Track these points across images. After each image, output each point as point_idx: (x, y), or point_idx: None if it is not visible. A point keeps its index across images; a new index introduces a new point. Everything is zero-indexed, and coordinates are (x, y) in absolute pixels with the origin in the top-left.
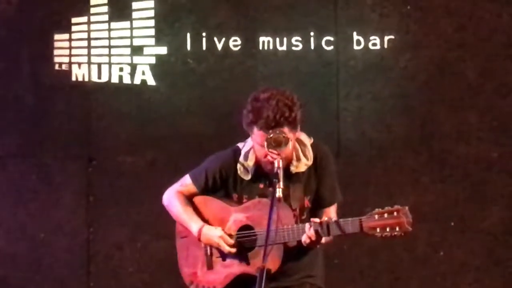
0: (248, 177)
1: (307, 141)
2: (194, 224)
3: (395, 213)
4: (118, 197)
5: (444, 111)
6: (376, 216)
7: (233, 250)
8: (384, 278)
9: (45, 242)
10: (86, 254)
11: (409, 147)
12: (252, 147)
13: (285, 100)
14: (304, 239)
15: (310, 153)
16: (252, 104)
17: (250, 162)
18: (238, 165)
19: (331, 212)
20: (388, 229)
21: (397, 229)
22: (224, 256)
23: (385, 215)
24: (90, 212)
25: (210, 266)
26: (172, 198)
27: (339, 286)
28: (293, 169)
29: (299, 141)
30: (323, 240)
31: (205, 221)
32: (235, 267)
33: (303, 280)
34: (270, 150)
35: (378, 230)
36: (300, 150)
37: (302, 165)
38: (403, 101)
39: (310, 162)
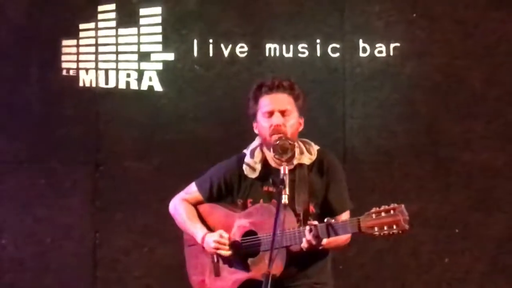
0: (254, 174)
1: (313, 144)
2: (198, 232)
3: (391, 212)
4: (125, 202)
5: (450, 118)
6: (374, 215)
7: (232, 252)
8: (389, 285)
9: (52, 247)
10: (93, 259)
11: (415, 154)
12: (258, 145)
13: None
14: (303, 243)
15: (314, 150)
16: (252, 90)
17: (257, 159)
18: (244, 166)
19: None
20: (386, 228)
21: (395, 227)
22: (230, 262)
23: (382, 213)
24: (97, 217)
25: (217, 273)
26: (177, 206)
27: None
28: (295, 160)
29: (304, 141)
30: (324, 241)
31: (211, 228)
32: (241, 273)
33: (312, 287)
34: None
35: (376, 229)
36: (304, 147)
37: (305, 158)
38: (409, 108)
39: (314, 157)
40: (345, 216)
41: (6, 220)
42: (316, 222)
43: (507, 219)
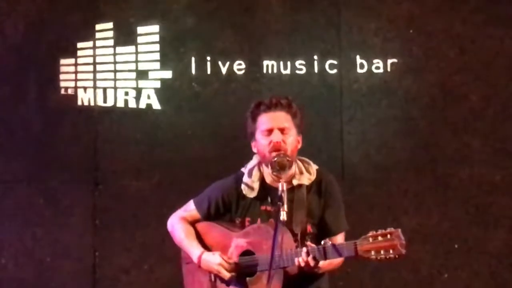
0: (253, 194)
1: (312, 163)
2: (194, 250)
3: (388, 236)
4: (124, 221)
5: (447, 134)
6: (370, 239)
7: (233, 275)
8: None
9: (51, 266)
10: (92, 277)
11: (413, 170)
12: (255, 165)
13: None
14: (301, 263)
15: (313, 170)
16: (250, 109)
17: (255, 178)
18: (243, 186)
19: (337, 241)
20: (382, 252)
21: (391, 251)
22: (227, 281)
23: (379, 238)
24: (97, 236)
25: None
26: (175, 224)
27: None
28: (295, 181)
29: (303, 160)
30: (321, 263)
31: (208, 247)
32: None
33: None
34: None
35: (372, 253)
36: (304, 167)
37: (305, 178)
38: (407, 124)
39: (313, 177)
40: (340, 237)
41: (5, 240)
42: (313, 245)
43: (506, 234)
